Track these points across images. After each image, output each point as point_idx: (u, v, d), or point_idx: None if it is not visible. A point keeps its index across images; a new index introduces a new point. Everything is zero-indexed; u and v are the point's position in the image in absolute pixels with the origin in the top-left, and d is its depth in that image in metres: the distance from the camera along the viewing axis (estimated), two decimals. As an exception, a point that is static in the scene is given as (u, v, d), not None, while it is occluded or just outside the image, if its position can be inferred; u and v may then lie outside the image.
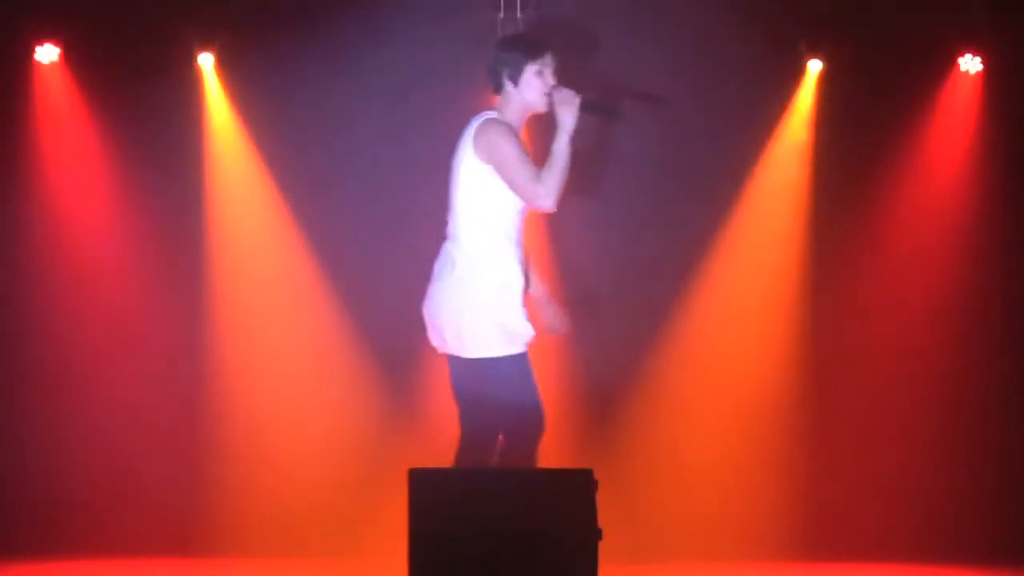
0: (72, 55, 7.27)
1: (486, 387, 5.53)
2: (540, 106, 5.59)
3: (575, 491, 4.78)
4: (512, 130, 5.59)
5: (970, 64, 7.20)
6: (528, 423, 5.60)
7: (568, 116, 5.56)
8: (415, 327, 7.24)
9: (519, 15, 7.10)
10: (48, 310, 7.33)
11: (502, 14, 7.10)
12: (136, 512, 7.26)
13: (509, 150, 5.56)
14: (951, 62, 7.22)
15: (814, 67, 7.12)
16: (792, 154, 7.23)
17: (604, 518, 4.77)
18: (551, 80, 5.61)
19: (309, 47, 7.18)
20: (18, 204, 7.32)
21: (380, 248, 7.28)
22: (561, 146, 5.55)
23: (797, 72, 7.17)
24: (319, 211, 7.29)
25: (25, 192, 7.32)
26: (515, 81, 5.65)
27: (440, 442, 7.16)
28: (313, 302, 7.34)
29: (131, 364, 7.32)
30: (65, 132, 7.33)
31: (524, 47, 5.65)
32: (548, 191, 5.52)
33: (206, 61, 7.24)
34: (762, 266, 7.26)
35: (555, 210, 5.58)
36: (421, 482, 4.77)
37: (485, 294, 5.57)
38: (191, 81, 7.27)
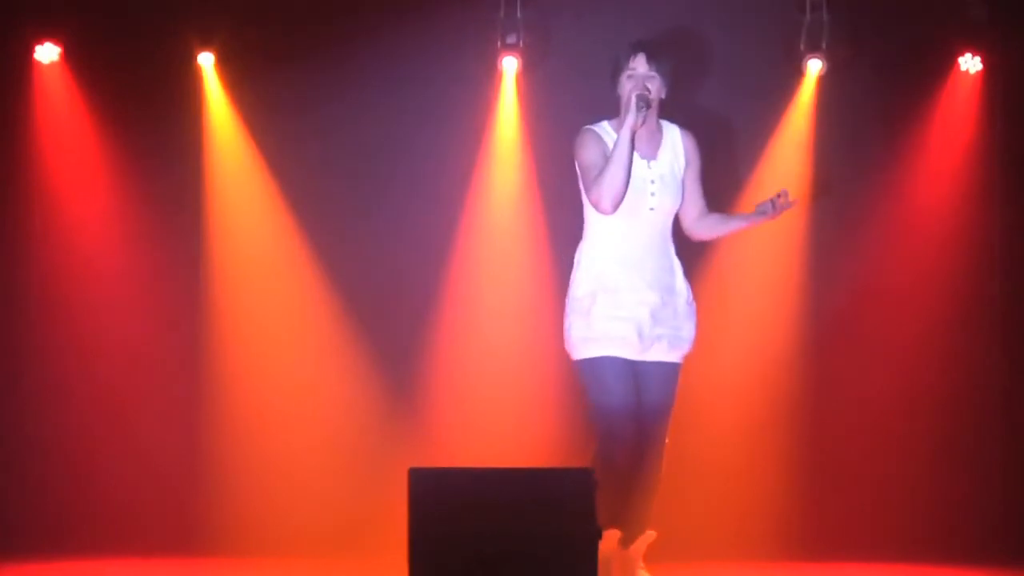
0: (72, 55, 7.27)
1: (585, 387, 5.76)
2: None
3: (575, 491, 4.78)
4: (594, 136, 5.71)
5: (970, 64, 7.19)
6: (600, 428, 5.72)
7: (627, 116, 5.60)
8: (415, 326, 7.29)
9: (519, 15, 7.10)
10: (47, 309, 7.33)
11: (503, 14, 7.10)
12: (136, 512, 7.25)
13: (582, 155, 5.72)
14: (951, 62, 7.21)
15: (814, 67, 7.11)
16: (792, 154, 7.22)
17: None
18: (641, 83, 5.66)
19: (309, 47, 7.18)
20: (18, 204, 7.32)
21: (380, 247, 7.29)
22: (616, 147, 5.58)
23: (797, 72, 7.16)
24: (319, 210, 7.29)
25: (25, 192, 7.32)
26: (615, 83, 5.71)
27: (440, 442, 7.19)
28: (313, 301, 7.33)
29: (130, 363, 7.32)
30: (65, 132, 7.32)
31: (623, 50, 5.73)
32: (598, 194, 5.62)
33: (206, 61, 7.23)
34: (762, 267, 7.26)
35: (611, 212, 5.62)
36: (421, 482, 4.77)
37: (573, 298, 5.76)
38: (191, 81, 7.27)
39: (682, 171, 5.82)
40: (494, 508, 4.74)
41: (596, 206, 5.63)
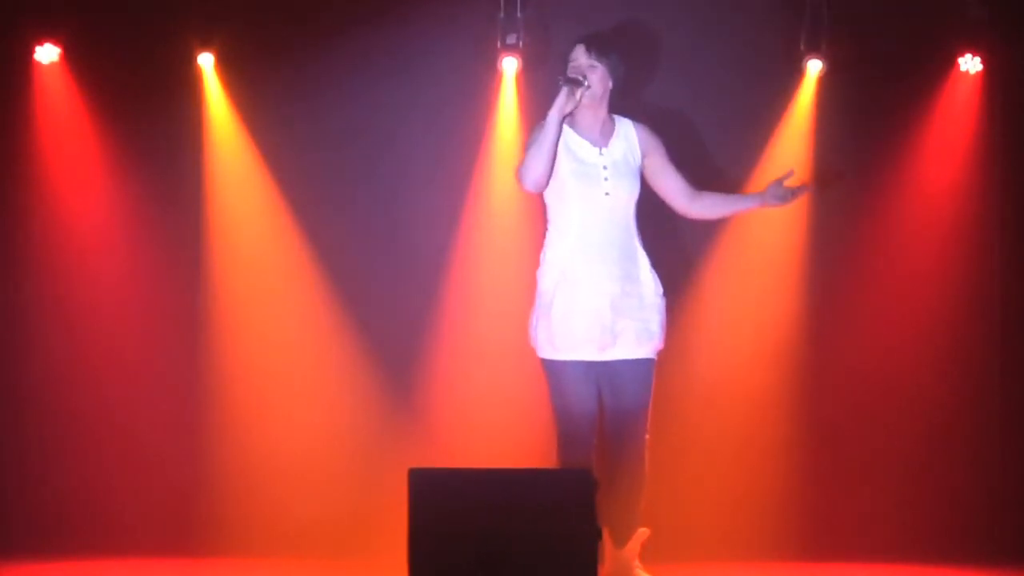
0: (72, 55, 7.27)
1: (548, 388, 5.79)
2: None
3: (575, 491, 4.78)
4: (540, 125, 5.75)
5: (970, 64, 7.19)
6: (560, 431, 5.69)
7: (555, 98, 5.67)
8: (415, 326, 7.29)
9: (519, 15, 7.10)
10: (48, 310, 7.33)
11: (503, 14, 7.10)
12: (136, 512, 7.25)
13: (527, 141, 5.81)
14: (951, 62, 7.21)
15: (814, 67, 7.11)
16: (792, 155, 7.22)
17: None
18: (579, 73, 5.75)
19: (309, 47, 7.18)
20: (18, 204, 7.32)
21: (380, 247, 7.29)
22: (543, 128, 5.64)
23: (797, 72, 7.16)
24: (319, 210, 7.29)
25: (25, 192, 7.32)
26: None
27: (440, 442, 7.19)
28: (313, 301, 7.33)
29: (130, 363, 7.32)
30: (65, 132, 7.32)
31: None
32: (521, 171, 5.73)
33: (206, 61, 7.23)
34: (761, 267, 7.26)
35: (532, 191, 5.70)
36: (421, 482, 4.78)
37: (538, 293, 5.82)
38: (191, 81, 7.27)
39: (637, 161, 5.88)
40: (494, 508, 4.75)
41: (519, 183, 5.74)
